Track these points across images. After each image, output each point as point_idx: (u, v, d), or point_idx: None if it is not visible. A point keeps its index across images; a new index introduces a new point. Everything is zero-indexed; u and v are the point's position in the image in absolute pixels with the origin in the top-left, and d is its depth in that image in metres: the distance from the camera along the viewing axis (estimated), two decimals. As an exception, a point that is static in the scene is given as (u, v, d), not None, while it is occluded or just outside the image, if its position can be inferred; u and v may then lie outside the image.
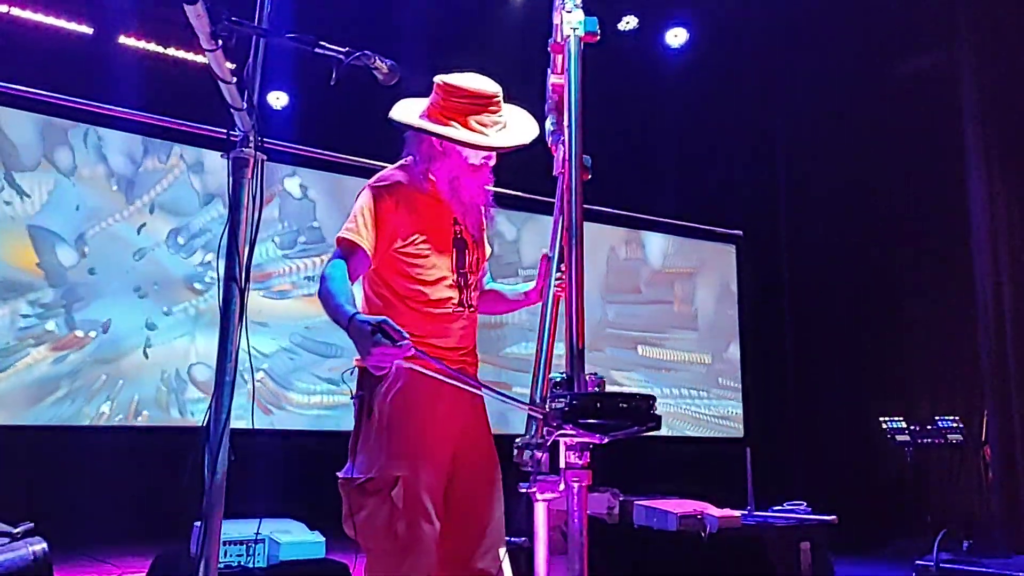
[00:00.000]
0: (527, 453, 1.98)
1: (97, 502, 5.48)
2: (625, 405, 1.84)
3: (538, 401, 2.07)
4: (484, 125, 2.33)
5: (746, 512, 5.69)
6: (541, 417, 1.91)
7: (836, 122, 7.90)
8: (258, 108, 2.38)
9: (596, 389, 2.07)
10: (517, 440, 2.00)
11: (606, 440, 1.87)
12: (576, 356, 2.04)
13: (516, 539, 3.61)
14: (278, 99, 7.16)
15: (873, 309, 7.64)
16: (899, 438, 6.20)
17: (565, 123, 2.22)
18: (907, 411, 6.64)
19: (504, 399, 2.09)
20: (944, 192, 6.92)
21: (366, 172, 7.15)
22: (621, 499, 6.39)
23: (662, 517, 4.55)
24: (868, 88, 7.57)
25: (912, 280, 7.42)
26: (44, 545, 1.28)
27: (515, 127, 2.40)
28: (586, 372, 2.04)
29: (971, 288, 6.30)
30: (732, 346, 9.02)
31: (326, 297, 2.20)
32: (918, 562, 2.59)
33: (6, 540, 1.28)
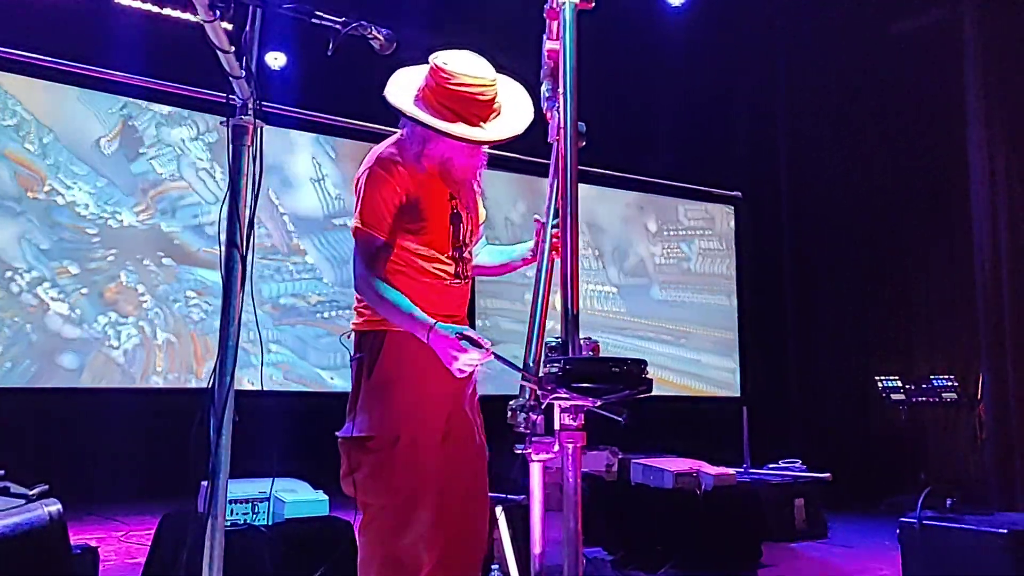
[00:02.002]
0: (521, 415, 2.04)
1: (107, 463, 5.60)
2: (617, 370, 1.89)
3: (531, 365, 2.13)
4: (479, 116, 2.34)
5: (742, 470, 5.80)
6: (535, 381, 1.96)
7: (838, 80, 7.86)
8: (256, 75, 2.40)
9: (590, 353, 2.13)
10: (511, 403, 2.06)
11: (599, 403, 1.92)
12: (571, 320, 2.09)
13: (515, 497, 3.70)
14: (276, 59, 7.12)
15: (873, 270, 7.68)
16: (894, 397, 6.28)
17: (560, 90, 2.23)
18: (905, 371, 6.71)
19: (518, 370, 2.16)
20: (945, 152, 6.92)
21: (366, 136, 7.11)
22: (620, 457, 6.51)
23: (658, 475, 4.64)
24: (870, 46, 7.52)
25: (912, 241, 7.44)
26: (59, 506, 1.35)
27: (510, 112, 2.41)
28: (580, 336, 2.10)
29: (970, 249, 6.33)
30: (730, 307, 9.10)
31: (386, 306, 2.28)
32: (902, 519, 2.65)
33: (22, 501, 1.34)
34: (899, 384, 6.31)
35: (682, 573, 4.17)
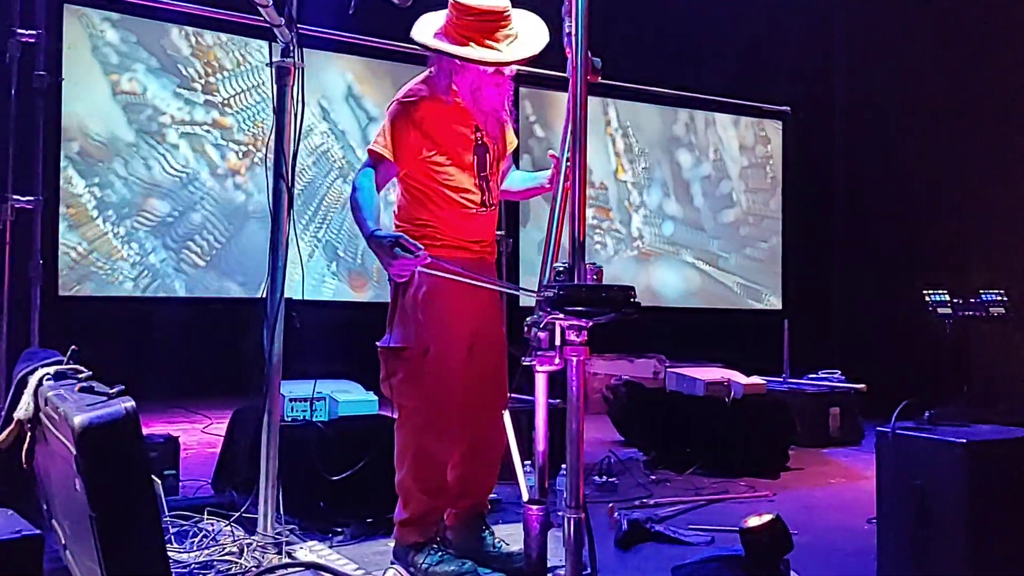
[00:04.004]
0: (533, 331, 2.32)
1: (196, 363, 6.15)
2: (605, 295, 2.13)
3: (545, 287, 2.38)
4: (496, 40, 2.55)
5: (780, 379, 6.00)
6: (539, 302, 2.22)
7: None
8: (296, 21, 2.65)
9: (594, 279, 2.37)
10: (527, 319, 2.33)
11: (591, 324, 2.16)
12: (577, 248, 2.32)
13: (553, 401, 4.00)
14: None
15: (925, 184, 7.57)
16: (940, 310, 6.32)
17: (572, 28, 2.40)
18: (954, 286, 6.69)
19: (508, 289, 2.43)
20: (1006, 65, 6.71)
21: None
22: (667, 365, 6.78)
23: (691, 383, 4.89)
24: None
25: (966, 156, 7.27)
26: (133, 403, 1.68)
27: (526, 37, 2.61)
28: (586, 262, 2.34)
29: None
30: (775, 220, 9.20)
31: (354, 207, 2.55)
32: (878, 429, 2.86)
33: (104, 398, 1.68)
34: (947, 298, 6.32)
35: (707, 474, 4.47)
